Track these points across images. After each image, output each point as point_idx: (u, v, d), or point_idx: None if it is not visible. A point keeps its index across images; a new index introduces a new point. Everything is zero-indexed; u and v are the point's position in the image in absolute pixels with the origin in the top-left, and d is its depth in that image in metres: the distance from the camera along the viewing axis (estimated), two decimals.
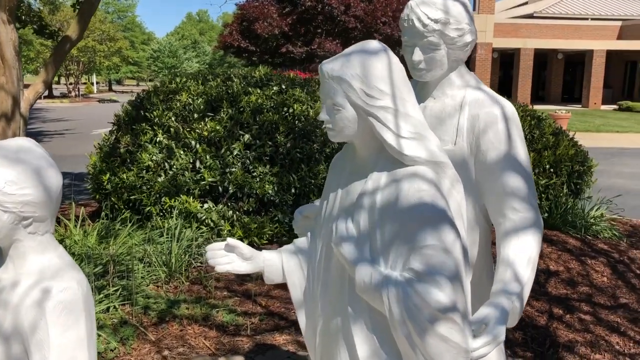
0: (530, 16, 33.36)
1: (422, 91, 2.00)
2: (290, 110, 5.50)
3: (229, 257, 1.74)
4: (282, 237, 5.44)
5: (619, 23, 33.13)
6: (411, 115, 1.52)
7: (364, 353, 1.51)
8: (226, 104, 5.46)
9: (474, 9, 24.67)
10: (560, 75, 34.04)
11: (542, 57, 33.70)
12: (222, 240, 1.78)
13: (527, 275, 1.74)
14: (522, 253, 1.76)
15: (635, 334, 3.80)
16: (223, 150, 5.28)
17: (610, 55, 31.24)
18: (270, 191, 5.21)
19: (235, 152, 5.27)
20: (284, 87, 5.76)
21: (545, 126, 6.21)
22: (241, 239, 5.24)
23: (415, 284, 1.40)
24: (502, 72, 34.41)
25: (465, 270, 1.47)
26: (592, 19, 33.87)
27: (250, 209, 5.26)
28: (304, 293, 1.79)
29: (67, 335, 1.28)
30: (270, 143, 5.34)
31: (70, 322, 1.29)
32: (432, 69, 1.87)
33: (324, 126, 1.58)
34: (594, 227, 5.77)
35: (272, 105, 5.52)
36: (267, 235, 5.32)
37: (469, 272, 1.55)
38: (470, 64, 24.77)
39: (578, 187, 6.11)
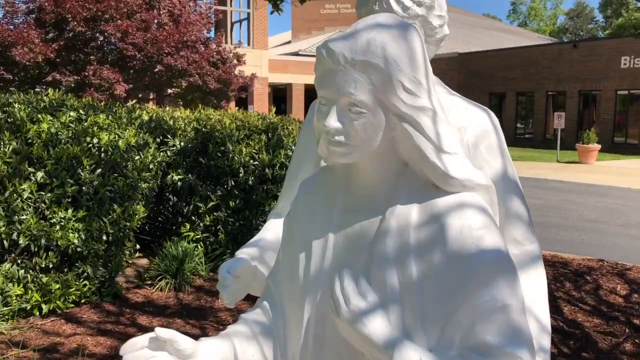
0: (296, 54, 35.23)
1: None
2: (95, 141, 4.56)
3: (157, 358, 1.05)
4: (92, 296, 4.43)
5: None
6: (448, 120, 1.06)
7: None
8: (8, 134, 4.31)
9: (248, 44, 25.09)
10: None
11: (313, 92, 35.80)
12: (146, 333, 1.03)
13: (549, 320, 1.42)
14: (537, 296, 1.44)
15: None
16: (8, 194, 4.13)
17: None
18: (75, 241, 4.20)
19: (25, 195, 4.15)
20: (82, 112, 4.78)
21: None
22: (39, 305, 4.12)
23: None
24: (276, 106, 35.73)
25: None
26: None
27: (50, 265, 4.18)
28: None
29: None
30: (71, 181, 4.33)
31: None
32: None
33: (333, 138, 1.01)
34: None
35: (70, 135, 4.51)
36: (74, 297, 4.28)
37: None
38: (248, 97, 25.03)
39: None
